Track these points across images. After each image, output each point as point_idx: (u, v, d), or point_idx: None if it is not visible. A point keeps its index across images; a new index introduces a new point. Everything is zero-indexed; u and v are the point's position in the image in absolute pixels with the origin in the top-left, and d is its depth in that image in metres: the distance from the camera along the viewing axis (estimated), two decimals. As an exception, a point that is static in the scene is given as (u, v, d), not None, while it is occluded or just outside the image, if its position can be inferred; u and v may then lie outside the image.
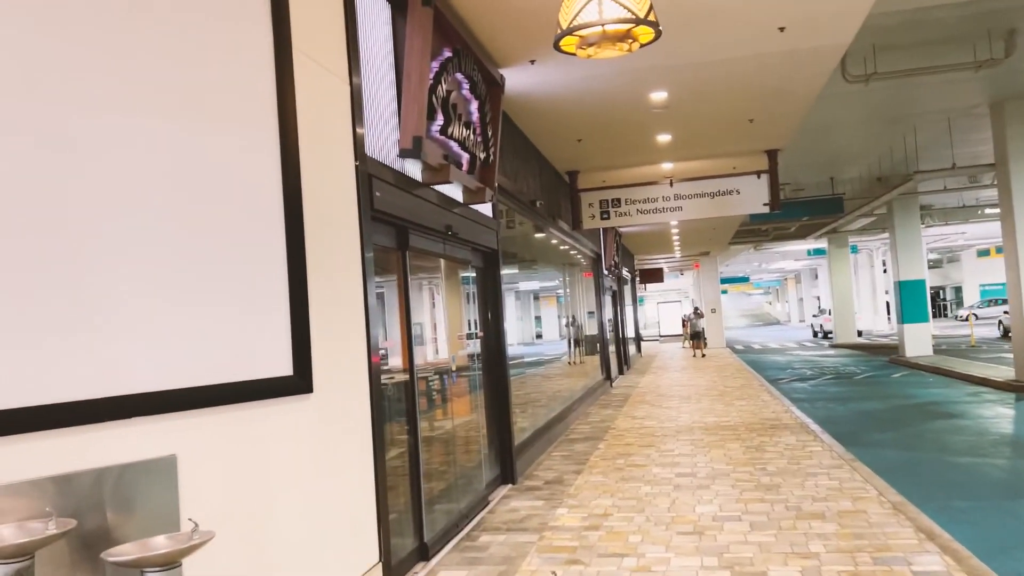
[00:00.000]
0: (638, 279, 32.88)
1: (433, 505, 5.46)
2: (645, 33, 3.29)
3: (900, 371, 18.94)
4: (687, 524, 5.59)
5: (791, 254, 41.11)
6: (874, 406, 12.98)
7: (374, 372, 4.08)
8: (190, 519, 2.58)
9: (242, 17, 3.25)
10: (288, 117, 3.40)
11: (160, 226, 2.84)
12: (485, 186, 6.22)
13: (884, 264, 41.70)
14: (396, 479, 4.88)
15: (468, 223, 6.24)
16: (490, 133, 6.42)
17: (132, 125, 2.77)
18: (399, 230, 5.01)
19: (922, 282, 21.52)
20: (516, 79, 7.04)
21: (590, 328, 15.75)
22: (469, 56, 5.81)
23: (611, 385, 16.55)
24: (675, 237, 22.66)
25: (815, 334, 38.58)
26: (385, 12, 4.78)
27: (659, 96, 8.02)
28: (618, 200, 11.98)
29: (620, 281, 22.24)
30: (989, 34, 9.78)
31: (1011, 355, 14.78)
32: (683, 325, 34.01)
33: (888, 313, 41.15)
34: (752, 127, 9.61)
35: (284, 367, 3.33)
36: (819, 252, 36.72)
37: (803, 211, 21.29)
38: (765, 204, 11.23)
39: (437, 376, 6.02)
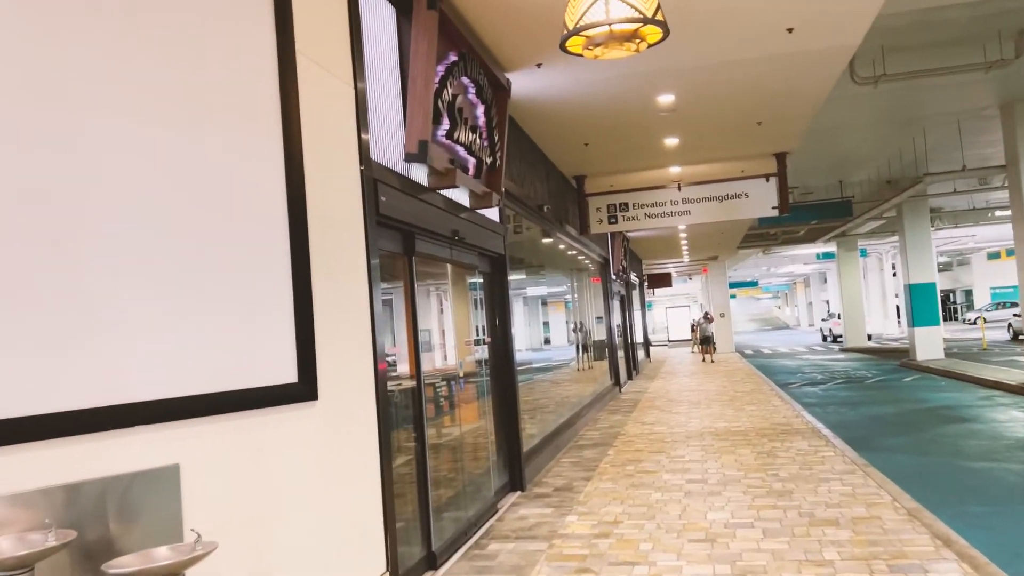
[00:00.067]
0: (646, 284, 32.79)
1: (441, 513, 5.40)
2: (653, 33, 3.24)
3: (911, 375, 18.78)
4: (699, 531, 5.52)
5: (800, 258, 40.93)
6: (886, 410, 12.86)
7: (380, 379, 4.03)
8: (193, 529, 2.54)
9: (244, 21, 3.22)
10: (292, 121, 3.36)
11: (162, 232, 2.80)
12: (492, 191, 6.18)
13: (894, 267, 41.49)
14: (403, 487, 4.82)
15: (475, 228, 6.20)
16: (496, 137, 6.37)
17: (132, 130, 2.74)
18: (405, 235, 4.97)
19: (932, 285, 21.37)
20: (522, 83, 7.00)
21: (598, 333, 15.68)
22: (475, 60, 5.77)
23: (620, 390, 16.47)
24: (683, 241, 22.57)
25: (824, 338, 38.39)
26: (390, 15, 4.75)
27: (666, 99, 7.97)
28: (626, 204, 11.92)
29: (628, 286, 22.16)
30: (999, 35, 9.70)
31: (1024, 358, 14.63)
32: (692, 330, 33.85)
33: (898, 317, 40.92)
34: (760, 130, 9.55)
35: (288, 374, 3.28)
36: (828, 256, 36.55)
37: (812, 215, 21.20)
38: (774, 207, 11.15)
39: (444, 382, 5.96)
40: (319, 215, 3.53)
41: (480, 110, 6.02)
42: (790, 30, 6.23)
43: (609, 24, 3.10)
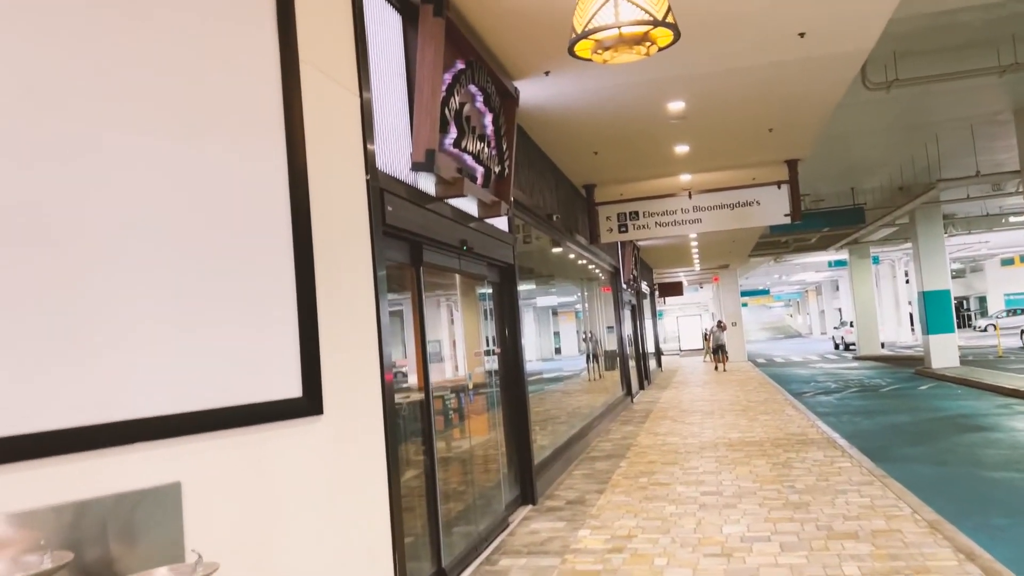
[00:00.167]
0: (657, 293, 32.64)
1: (451, 528, 5.30)
2: (663, 36, 3.16)
3: (927, 383, 18.56)
4: (714, 545, 5.40)
5: (811, 266, 40.71)
6: (902, 419, 12.68)
7: (387, 392, 3.95)
8: (194, 550, 2.46)
9: (246, 28, 3.16)
10: (295, 130, 3.29)
11: (162, 244, 2.74)
12: (500, 200, 6.11)
13: (906, 274, 41.19)
14: (412, 501, 4.74)
15: (484, 238, 6.12)
16: (505, 146, 6.31)
17: (133, 140, 2.68)
18: (413, 245, 4.90)
19: (947, 292, 21.15)
20: (531, 91, 6.94)
21: (609, 343, 15.57)
22: (482, 68, 5.71)
23: (632, 400, 16.33)
24: (694, 250, 22.45)
25: (836, 346, 38.12)
26: (396, 23, 4.70)
27: (676, 106, 7.89)
28: (636, 213, 11.83)
29: (639, 295, 22.04)
30: (1013, 38, 9.58)
31: (1042, 365, 14.42)
32: (705, 339, 33.64)
33: (911, 324, 40.60)
34: (771, 137, 9.45)
35: (293, 389, 3.20)
36: (840, 263, 36.33)
37: (823, 222, 21.05)
38: (786, 215, 11.04)
39: (454, 394, 5.88)
40: (324, 226, 3.46)
41: (488, 119, 5.96)
42: (802, 35, 6.14)
43: (619, 27, 3.02)
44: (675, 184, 11.58)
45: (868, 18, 5.95)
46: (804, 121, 8.86)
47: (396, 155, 4.49)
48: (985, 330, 42.76)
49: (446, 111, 4.97)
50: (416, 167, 4.66)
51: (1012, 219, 25.19)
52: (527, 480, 7.09)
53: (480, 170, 5.75)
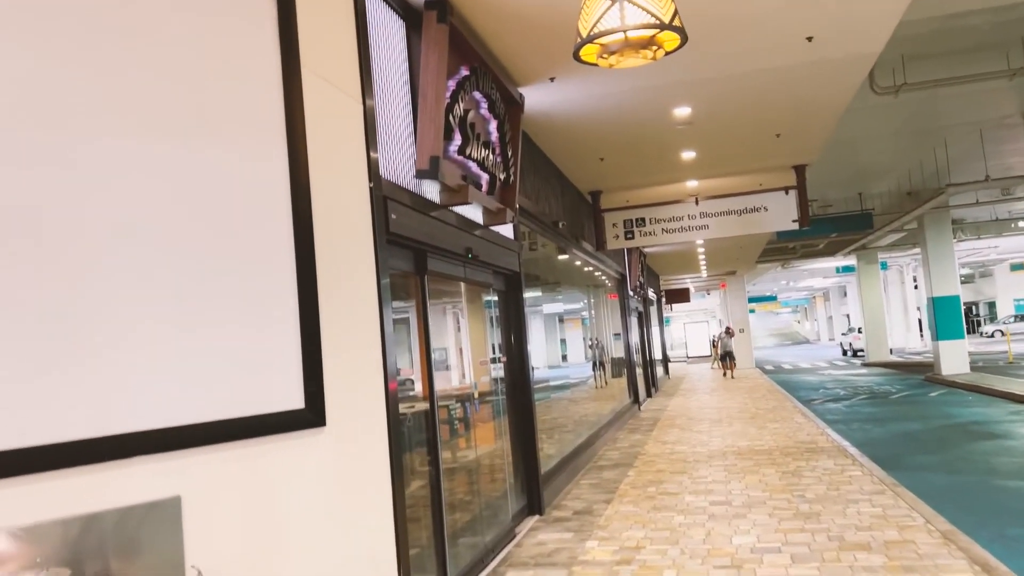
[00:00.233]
0: (664, 299, 32.52)
1: (457, 539, 5.23)
2: (670, 39, 3.10)
3: (937, 389, 18.40)
4: (724, 557, 5.31)
5: (819, 272, 40.52)
6: (913, 427, 12.55)
7: (391, 403, 3.89)
8: (193, 566, 2.41)
9: (246, 35, 3.11)
10: (297, 138, 3.25)
11: (161, 253, 2.69)
12: (506, 207, 6.05)
13: (915, 280, 40.97)
14: (417, 512, 4.67)
15: (489, 245, 6.07)
16: (510, 153, 6.26)
17: (132, 148, 2.64)
18: (417, 253, 4.84)
19: (956, 298, 20.99)
20: (536, 97, 6.89)
21: (616, 350, 15.48)
22: (487, 74, 5.67)
23: (639, 408, 16.23)
24: (701, 256, 22.35)
25: (844, 352, 37.91)
26: (399, 30, 4.66)
27: (682, 112, 7.83)
28: (642, 219, 11.76)
29: (646, 302, 21.95)
30: (1022, 41, 9.49)
31: (1054, 372, 14.28)
32: (713, 345, 33.45)
33: (921, 330, 40.35)
34: (779, 142, 9.38)
35: (295, 400, 3.15)
36: (848, 269, 36.14)
37: (831, 228, 20.93)
38: (794, 221, 10.96)
39: (459, 403, 5.81)
40: (326, 234, 3.41)
41: (493, 125, 5.91)
42: (809, 39, 6.08)
43: (624, 31, 2.97)
44: (682, 190, 11.51)
45: (876, 21, 5.88)
46: (812, 126, 8.79)
47: (400, 162, 4.44)
48: (992, 336, 42.48)
49: (450, 118, 4.92)
50: (420, 174, 4.61)
51: (1022, 224, 25.01)
52: (534, 490, 7.01)
53: (485, 177, 5.70)
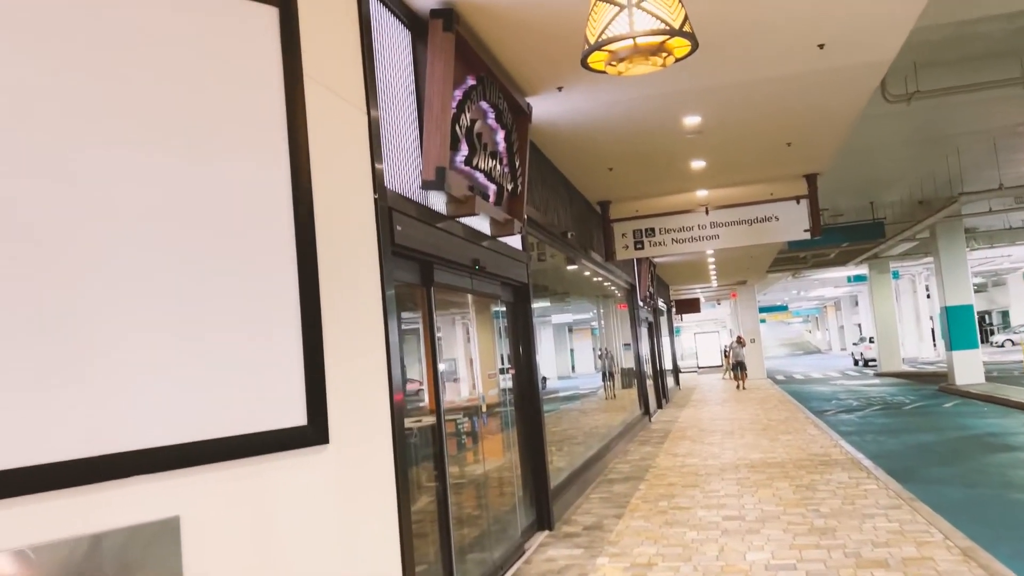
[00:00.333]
0: (674, 310, 32.36)
1: (464, 555, 5.14)
2: (681, 46, 3.02)
3: (951, 400, 18.18)
4: (738, 574, 5.20)
5: (831, 281, 40.29)
6: (928, 439, 12.37)
7: (397, 418, 3.81)
8: (190, 589, 2.33)
9: (248, 43, 3.06)
10: (299, 149, 3.18)
11: (160, 267, 2.63)
12: (513, 218, 5.98)
13: (927, 289, 40.66)
14: (424, 527, 4.58)
15: (496, 256, 5.99)
16: (517, 163, 6.19)
17: (132, 159, 2.59)
18: (423, 265, 4.77)
19: (970, 307, 20.78)
20: (543, 107, 6.83)
21: (626, 361, 15.36)
22: (494, 84, 5.61)
23: (650, 420, 16.09)
24: (711, 266, 22.23)
25: (856, 362, 37.61)
26: (405, 39, 4.60)
27: (692, 121, 7.76)
28: (652, 230, 11.67)
29: (656, 312, 21.82)
30: (1036, 48, 9.39)
31: (1071, 382, 14.07)
32: (724, 356, 33.21)
33: (934, 340, 40.01)
34: (790, 151, 9.29)
35: (297, 416, 3.07)
36: (860, 278, 35.91)
37: (843, 237, 20.78)
38: (806, 230, 10.84)
39: (467, 417, 5.73)
40: (329, 246, 3.34)
41: (500, 135, 5.85)
42: (821, 46, 6.00)
43: (633, 37, 2.89)
44: (692, 200, 11.42)
45: (889, 28, 5.80)
46: (824, 134, 8.70)
47: (406, 173, 4.38)
48: (1002, 345, 42.07)
49: (457, 128, 4.86)
50: (426, 185, 4.55)
51: (1036, 232, 24.80)
52: (543, 504, 6.91)
53: (492, 188, 5.63)
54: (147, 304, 2.59)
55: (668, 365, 25.49)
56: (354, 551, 3.40)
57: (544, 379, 8.40)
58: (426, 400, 4.86)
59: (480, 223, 5.69)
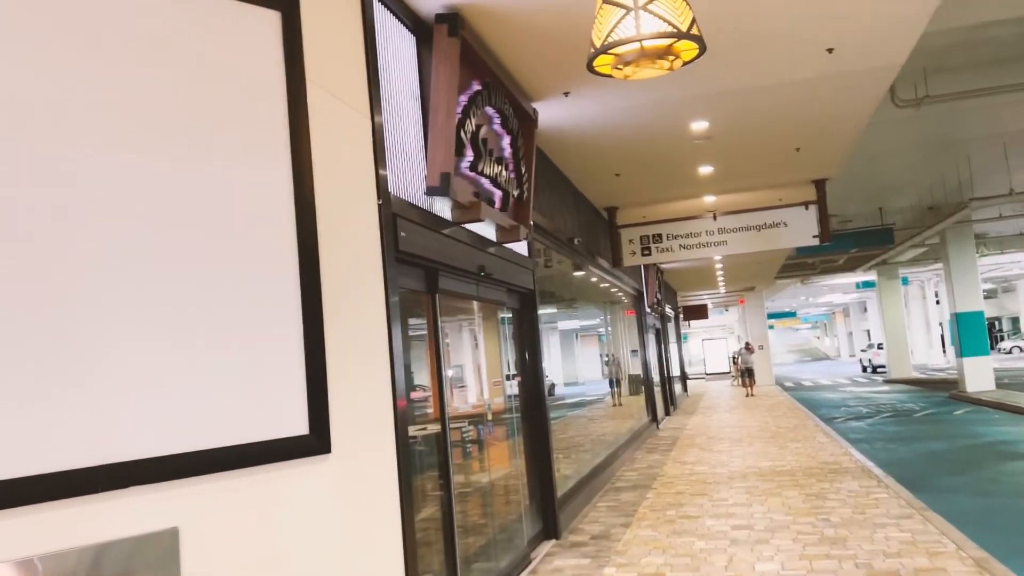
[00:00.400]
0: (682, 316, 32.24)
1: (470, 565, 5.08)
2: (688, 49, 2.98)
3: (962, 407, 18.02)
4: (747, 585, 5.12)
5: (839, 287, 40.08)
6: (939, 446, 12.25)
7: (400, 427, 3.76)
8: (188, 604, 2.28)
9: (249, 47, 3.02)
10: (302, 155, 3.14)
11: (160, 274, 2.59)
12: (519, 224, 5.93)
13: (937, 295, 40.42)
14: (428, 536, 4.53)
15: (502, 263, 5.95)
16: (523, 169, 6.15)
17: (132, 163, 2.56)
18: (428, 272, 4.73)
19: (980, 314, 20.63)
20: (550, 113, 6.79)
21: (634, 367, 15.28)
22: (499, 89, 5.57)
23: (658, 427, 15.99)
24: (719, 273, 22.13)
25: (864, 369, 37.39)
26: (409, 44, 4.57)
27: (700, 126, 7.70)
28: (659, 236, 11.61)
29: (663, 319, 21.73)
30: (1048, 52, 9.30)
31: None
32: (733, 362, 33.05)
33: (943, 346, 39.75)
34: (799, 156, 9.22)
35: (299, 426, 3.03)
36: (868, 285, 35.71)
37: (851, 243, 20.64)
38: (815, 236, 10.76)
39: (472, 425, 5.67)
40: (332, 252, 3.30)
41: (506, 141, 5.81)
42: (830, 51, 5.94)
43: (640, 40, 2.85)
44: (699, 206, 11.36)
45: (899, 33, 5.74)
46: (832, 140, 8.63)
47: (410, 179, 4.34)
48: (1010, 352, 41.73)
49: (462, 133, 4.82)
50: (431, 191, 4.51)
51: (1046, 238, 24.60)
52: (550, 513, 6.84)
53: (498, 194, 5.59)
54: (146, 312, 2.55)
55: (676, 371, 25.37)
56: (357, 562, 3.34)
57: (552, 385, 8.34)
58: (431, 408, 4.81)
59: (486, 229, 5.64)
